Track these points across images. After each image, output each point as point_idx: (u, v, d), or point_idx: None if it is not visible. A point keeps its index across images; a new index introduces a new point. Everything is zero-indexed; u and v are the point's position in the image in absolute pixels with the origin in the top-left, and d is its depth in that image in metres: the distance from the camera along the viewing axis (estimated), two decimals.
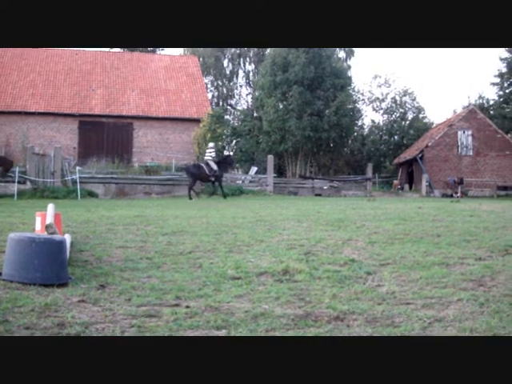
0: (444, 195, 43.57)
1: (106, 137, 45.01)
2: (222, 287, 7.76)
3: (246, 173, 43.55)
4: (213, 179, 32.39)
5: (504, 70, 63.48)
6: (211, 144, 35.78)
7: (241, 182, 39.53)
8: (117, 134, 45.25)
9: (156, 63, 52.15)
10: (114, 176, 36.41)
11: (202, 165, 32.73)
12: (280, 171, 50.16)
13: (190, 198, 30.60)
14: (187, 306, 6.69)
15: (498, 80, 64.68)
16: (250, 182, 39.89)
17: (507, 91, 64.52)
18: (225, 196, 31.92)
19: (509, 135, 50.57)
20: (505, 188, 46.51)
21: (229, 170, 37.00)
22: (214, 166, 32.34)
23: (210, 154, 33.76)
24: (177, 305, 6.79)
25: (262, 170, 42.59)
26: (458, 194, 42.62)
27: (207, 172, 31.91)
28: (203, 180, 32.87)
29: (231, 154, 44.95)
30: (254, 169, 43.20)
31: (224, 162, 33.96)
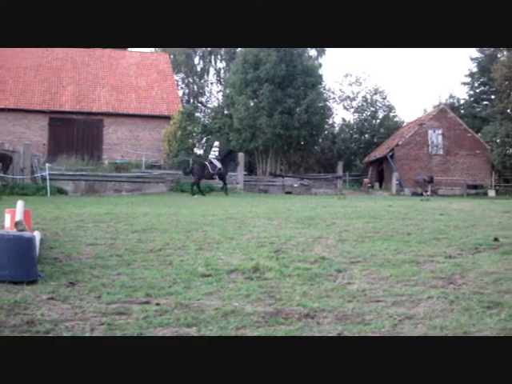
0: (414, 194, 43.89)
1: (76, 133, 44.69)
2: (192, 285, 7.73)
3: None
4: (216, 177, 33.41)
5: (475, 69, 64.19)
6: (216, 143, 35.93)
7: None
8: (87, 131, 44.95)
9: (127, 60, 51.86)
10: (84, 173, 36.31)
11: (206, 163, 33.71)
12: (250, 169, 50.25)
13: (203, 193, 32.21)
14: (157, 304, 6.65)
15: (468, 80, 65.47)
16: None
17: (478, 91, 65.33)
18: (227, 193, 32.89)
19: (479, 134, 51.02)
20: (474, 187, 46.98)
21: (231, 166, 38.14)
22: (218, 164, 33.27)
23: (214, 153, 34.13)
24: (147, 302, 6.76)
25: (233, 168, 42.68)
26: (428, 193, 42.93)
27: (210, 170, 32.92)
28: (207, 178, 33.84)
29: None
30: None
31: (227, 159, 34.78)
